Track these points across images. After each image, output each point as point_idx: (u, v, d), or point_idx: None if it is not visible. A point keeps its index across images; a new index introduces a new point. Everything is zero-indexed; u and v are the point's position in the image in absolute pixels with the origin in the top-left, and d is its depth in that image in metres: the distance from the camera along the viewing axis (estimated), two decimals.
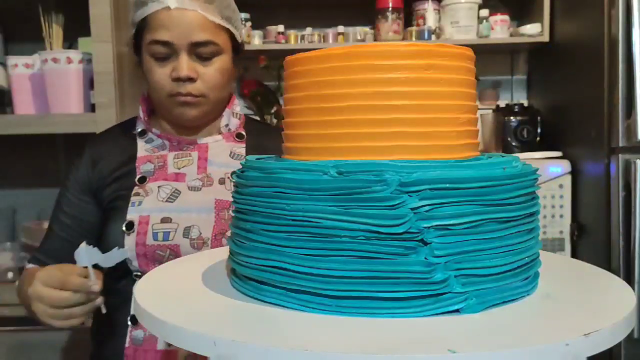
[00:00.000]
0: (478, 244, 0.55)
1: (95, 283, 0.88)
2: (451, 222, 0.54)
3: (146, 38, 1.05)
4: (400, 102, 0.59)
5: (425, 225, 0.53)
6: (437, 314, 0.54)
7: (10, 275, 1.85)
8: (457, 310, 0.55)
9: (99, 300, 0.90)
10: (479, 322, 0.53)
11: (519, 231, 0.59)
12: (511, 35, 2.10)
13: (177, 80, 1.03)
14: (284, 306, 0.58)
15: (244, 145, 1.13)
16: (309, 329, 0.52)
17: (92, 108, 1.78)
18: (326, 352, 0.45)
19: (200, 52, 1.03)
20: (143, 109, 1.13)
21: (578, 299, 0.60)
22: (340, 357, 0.44)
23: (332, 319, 0.54)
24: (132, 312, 1.03)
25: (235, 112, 1.15)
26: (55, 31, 1.76)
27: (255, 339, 0.48)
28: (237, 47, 1.10)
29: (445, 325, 0.52)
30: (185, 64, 1.02)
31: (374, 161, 0.56)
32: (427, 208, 0.53)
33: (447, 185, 0.54)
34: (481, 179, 0.55)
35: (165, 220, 1.02)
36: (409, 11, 2.15)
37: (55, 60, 1.71)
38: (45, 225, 1.85)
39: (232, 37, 1.08)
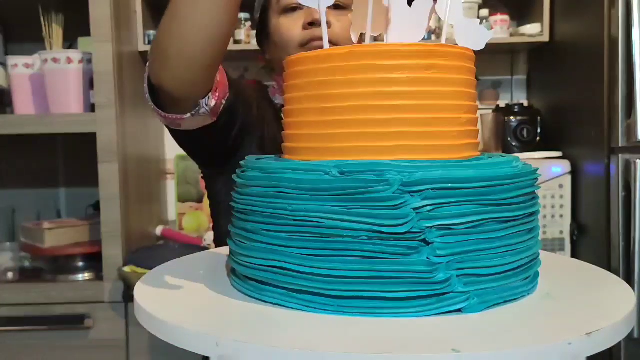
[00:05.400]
0: (479, 243, 0.55)
1: None
2: (453, 222, 0.53)
3: None
4: (401, 102, 0.58)
5: (427, 225, 0.53)
6: (439, 314, 0.54)
7: (10, 275, 1.84)
8: (459, 310, 0.54)
9: None
10: (481, 321, 0.53)
11: (519, 231, 0.58)
12: (511, 35, 2.09)
13: (312, 24, 1.00)
14: (285, 306, 0.57)
15: None
16: (311, 329, 0.52)
17: (92, 108, 1.78)
18: (328, 352, 0.44)
19: None
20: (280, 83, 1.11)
21: (578, 299, 0.60)
22: (342, 357, 0.44)
23: (334, 319, 0.54)
24: None
25: None
26: (55, 31, 1.76)
27: (257, 339, 0.48)
28: None
29: (448, 325, 0.52)
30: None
31: (376, 161, 0.55)
32: (429, 208, 0.53)
33: (449, 185, 0.54)
34: (483, 179, 0.55)
35: None
36: None
37: (55, 60, 1.72)
38: (45, 225, 1.85)
39: None
